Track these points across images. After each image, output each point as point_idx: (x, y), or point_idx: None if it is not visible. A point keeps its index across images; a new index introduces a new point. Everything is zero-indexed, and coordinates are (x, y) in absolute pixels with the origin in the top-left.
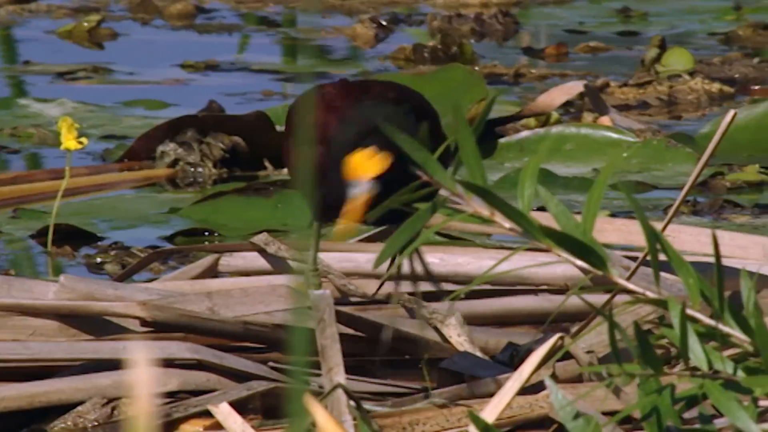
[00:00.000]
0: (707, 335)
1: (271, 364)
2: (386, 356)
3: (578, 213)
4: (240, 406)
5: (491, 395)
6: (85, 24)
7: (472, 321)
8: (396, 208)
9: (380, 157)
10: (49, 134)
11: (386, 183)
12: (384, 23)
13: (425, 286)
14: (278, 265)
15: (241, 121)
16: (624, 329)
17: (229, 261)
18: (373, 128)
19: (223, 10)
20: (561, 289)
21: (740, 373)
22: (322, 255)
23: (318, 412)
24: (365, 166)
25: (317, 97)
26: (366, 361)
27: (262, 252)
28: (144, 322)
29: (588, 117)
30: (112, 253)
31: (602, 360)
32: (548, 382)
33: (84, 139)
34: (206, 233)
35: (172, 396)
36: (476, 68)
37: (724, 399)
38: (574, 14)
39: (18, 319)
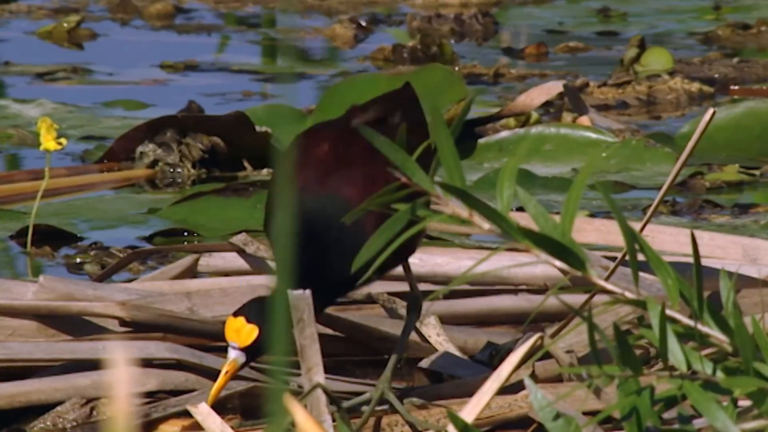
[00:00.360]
0: (686, 335)
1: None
2: (365, 356)
3: (557, 213)
4: (219, 406)
5: (470, 395)
6: (65, 24)
7: (451, 321)
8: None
9: (249, 330)
10: (28, 135)
11: (251, 354)
12: (363, 24)
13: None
14: (257, 266)
15: (221, 121)
16: (603, 330)
17: (208, 261)
18: (254, 300)
19: (203, 11)
20: (540, 289)
21: (719, 374)
22: None
23: (297, 411)
24: (236, 335)
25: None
26: (345, 361)
27: (242, 252)
28: (123, 322)
29: (567, 117)
30: (92, 253)
31: (582, 360)
32: (528, 382)
33: (63, 140)
34: (185, 233)
35: (151, 396)
36: (456, 68)
37: (703, 399)
38: (553, 14)
39: None
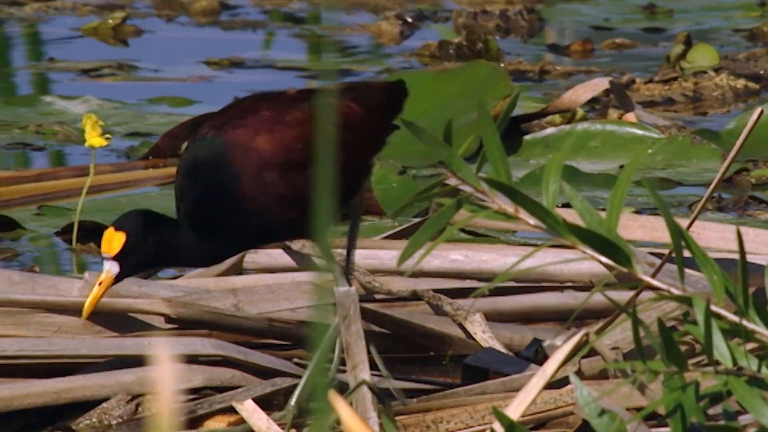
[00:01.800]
0: (731, 332)
1: (295, 360)
2: (410, 353)
3: (603, 210)
4: (265, 403)
5: (516, 391)
6: (110, 21)
7: (496, 317)
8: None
9: (116, 236)
10: (73, 131)
11: (124, 261)
12: (409, 20)
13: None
14: (303, 262)
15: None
16: (648, 326)
17: (253, 258)
18: (129, 211)
19: (248, 7)
20: (586, 286)
21: (765, 370)
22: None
23: (342, 408)
24: (107, 244)
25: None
26: (391, 358)
27: (287, 249)
28: (169, 319)
29: (613, 113)
30: None
31: (627, 356)
32: (573, 378)
33: (108, 137)
34: None
35: (197, 392)
36: (501, 65)
37: (748, 395)
38: (599, 11)
39: (42, 316)
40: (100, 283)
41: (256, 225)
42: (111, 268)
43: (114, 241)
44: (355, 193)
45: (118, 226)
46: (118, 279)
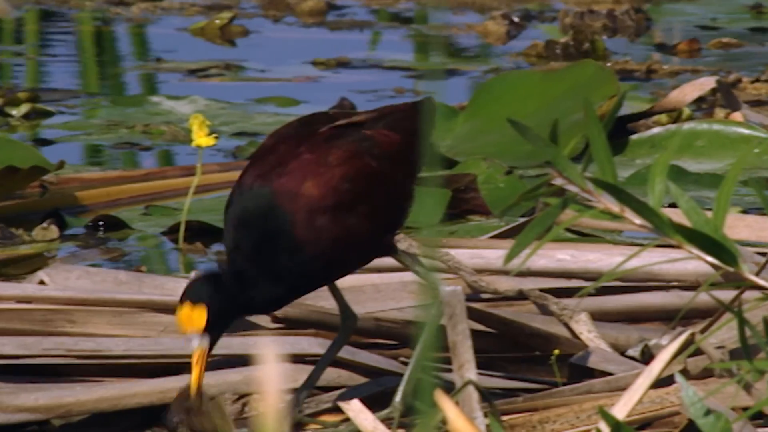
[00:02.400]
0: None
1: (402, 360)
2: (516, 352)
3: (709, 209)
4: (371, 402)
5: (622, 391)
6: (217, 21)
7: (602, 317)
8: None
9: (196, 312)
10: (180, 131)
11: (213, 330)
12: (516, 20)
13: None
14: (409, 262)
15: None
16: (754, 325)
17: None
18: (192, 282)
19: (355, 7)
20: (692, 286)
21: None
22: (453, 251)
23: (449, 408)
24: (188, 323)
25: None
26: (496, 358)
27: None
28: (275, 318)
29: (720, 113)
30: None
31: (733, 356)
32: (679, 378)
33: (215, 136)
34: None
35: None
36: (608, 64)
37: None
38: (706, 10)
39: (149, 316)
40: (197, 362)
41: (315, 268)
42: (202, 344)
43: (195, 317)
44: (403, 222)
45: (195, 301)
46: (210, 350)
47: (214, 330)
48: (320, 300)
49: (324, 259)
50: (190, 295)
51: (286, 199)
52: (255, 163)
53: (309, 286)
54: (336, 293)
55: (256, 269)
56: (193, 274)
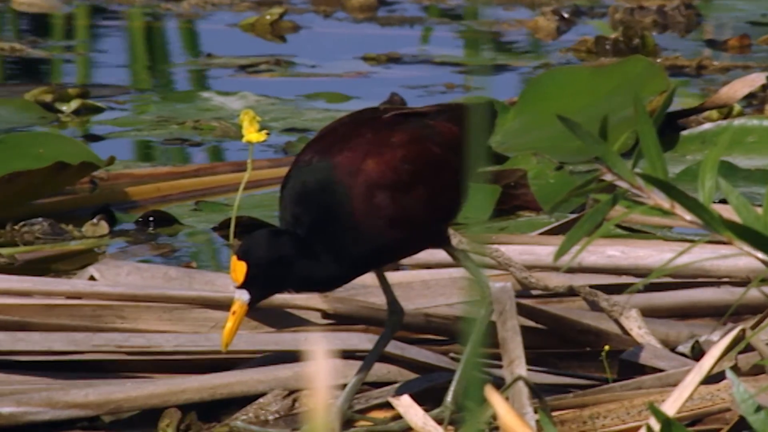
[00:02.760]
0: None
1: (452, 355)
2: (567, 348)
3: (760, 205)
4: (421, 398)
5: (672, 387)
6: (268, 17)
7: (653, 313)
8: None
9: (240, 266)
10: (231, 127)
11: (252, 287)
12: (566, 15)
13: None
14: (459, 258)
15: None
16: None
17: None
18: (247, 237)
19: (405, 3)
20: (743, 282)
21: None
22: (503, 248)
23: (499, 404)
24: (233, 274)
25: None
26: (546, 354)
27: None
28: (325, 314)
29: None
30: None
31: None
32: (730, 374)
33: (266, 132)
34: None
35: None
36: (658, 60)
37: None
38: (756, 6)
39: (199, 312)
40: (233, 312)
41: (370, 247)
42: (242, 296)
43: (238, 269)
44: (456, 214)
45: (241, 255)
46: (250, 306)
47: (254, 287)
48: (370, 296)
49: (378, 237)
50: (242, 248)
51: (346, 173)
52: (313, 143)
53: (362, 266)
54: (385, 286)
55: (314, 243)
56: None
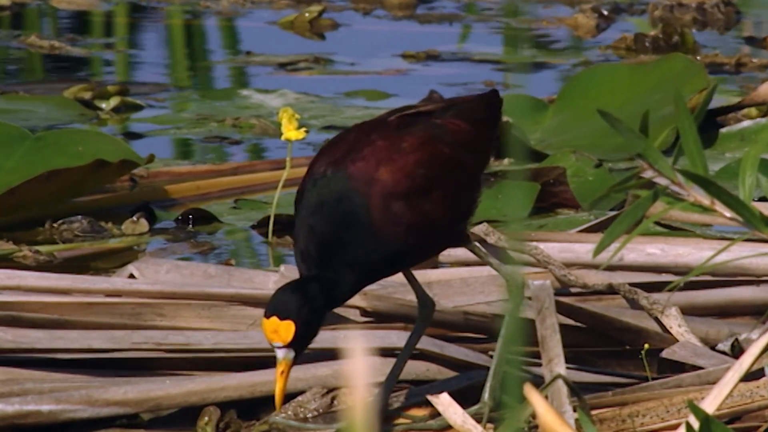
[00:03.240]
0: None
1: (491, 353)
2: (606, 347)
3: None
4: (460, 396)
5: (711, 385)
6: (307, 15)
7: (692, 311)
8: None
9: (285, 326)
10: (270, 125)
11: (299, 344)
12: (605, 13)
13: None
14: (498, 256)
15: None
16: None
17: (449, 251)
18: (278, 295)
19: (444, 0)
20: None
21: None
22: (542, 245)
23: (538, 402)
24: (275, 335)
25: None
26: (586, 352)
27: (483, 242)
28: (364, 312)
29: None
30: None
31: None
32: None
33: (305, 130)
34: None
35: None
36: (697, 58)
37: None
38: None
39: (238, 309)
40: (282, 372)
41: (390, 253)
42: (288, 356)
43: (282, 330)
44: (473, 211)
45: (283, 316)
46: (294, 362)
47: (300, 344)
48: (409, 294)
49: (399, 243)
50: (278, 309)
51: (362, 183)
52: (324, 152)
53: (384, 271)
54: (412, 281)
55: (333, 257)
56: (282, 268)
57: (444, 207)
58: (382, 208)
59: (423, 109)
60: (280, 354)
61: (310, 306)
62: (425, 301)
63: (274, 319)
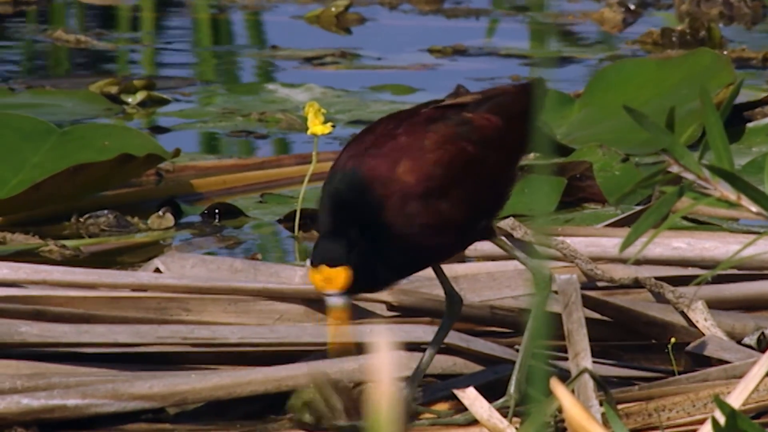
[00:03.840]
0: None
1: (517, 348)
2: (632, 341)
3: None
4: (486, 390)
5: (738, 379)
6: (333, 9)
7: (719, 305)
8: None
9: (338, 272)
10: (296, 119)
11: (352, 291)
12: (632, 7)
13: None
14: (525, 250)
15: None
16: None
17: (476, 245)
18: (322, 244)
19: None
20: None
21: None
22: (569, 240)
23: (564, 396)
24: (328, 283)
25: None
26: (612, 346)
27: (509, 236)
28: (390, 306)
29: None
30: None
31: None
32: None
33: (331, 124)
34: None
35: None
36: (724, 52)
37: None
38: None
39: (264, 304)
40: (338, 320)
41: (407, 252)
42: (342, 302)
43: (334, 277)
44: (502, 206)
45: (333, 263)
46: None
47: (353, 289)
48: (435, 288)
49: (417, 244)
50: (326, 256)
51: (378, 182)
52: (352, 145)
53: (404, 269)
54: (441, 277)
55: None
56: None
57: (463, 206)
58: (397, 209)
59: (457, 102)
60: (333, 302)
61: (358, 250)
62: (453, 297)
63: (324, 267)
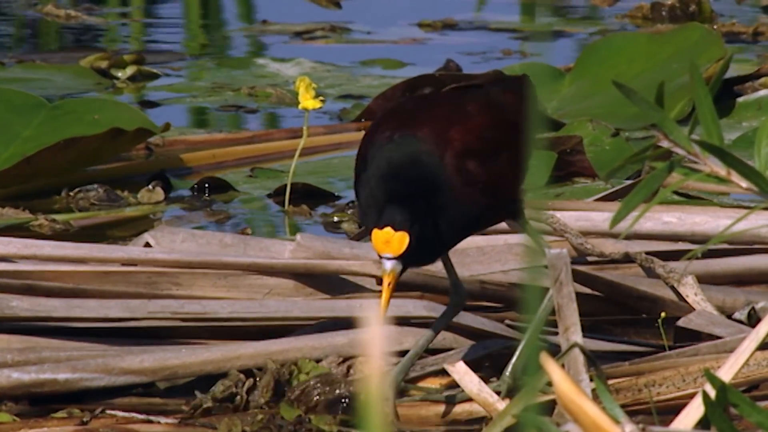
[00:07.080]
0: None
1: (507, 322)
2: (623, 315)
3: None
4: (475, 365)
5: (728, 354)
6: None
7: (709, 280)
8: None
9: (399, 237)
10: (286, 94)
11: (407, 259)
12: None
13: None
14: (515, 225)
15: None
16: None
17: None
18: (391, 208)
19: None
20: None
21: None
22: (559, 214)
23: (554, 371)
24: (387, 245)
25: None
26: (602, 321)
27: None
28: (380, 281)
29: None
30: (349, 212)
31: None
32: None
33: (321, 99)
34: None
35: None
36: (714, 27)
37: None
38: None
39: (254, 278)
40: (389, 284)
41: (464, 215)
42: (396, 267)
43: (395, 241)
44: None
45: (398, 227)
46: (399, 277)
47: (409, 259)
48: None
49: (472, 205)
50: (393, 220)
51: (434, 144)
52: (384, 122)
53: (457, 236)
54: (449, 268)
55: (414, 222)
56: (298, 237)
57: (511, 169)
58: (456, 168)
59: (474, 83)
60: (388, 265)
61: (422, 221)
62: (458, 289)
63: (388, 229)
